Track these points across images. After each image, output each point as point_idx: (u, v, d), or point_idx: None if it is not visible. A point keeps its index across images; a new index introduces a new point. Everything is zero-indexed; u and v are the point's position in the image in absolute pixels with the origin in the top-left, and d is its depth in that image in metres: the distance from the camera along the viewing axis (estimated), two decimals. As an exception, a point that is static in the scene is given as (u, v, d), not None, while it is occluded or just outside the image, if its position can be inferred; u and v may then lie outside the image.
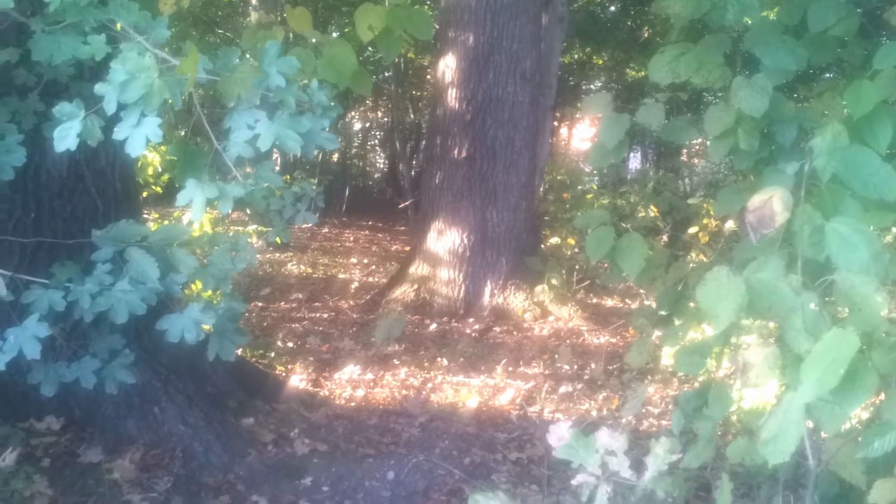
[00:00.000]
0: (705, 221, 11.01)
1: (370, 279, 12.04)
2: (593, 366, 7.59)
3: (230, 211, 2.95)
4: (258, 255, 10.60)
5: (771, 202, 2.61)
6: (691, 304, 3.74)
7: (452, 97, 9.62)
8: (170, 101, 2.65)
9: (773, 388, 3.25)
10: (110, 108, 2.61)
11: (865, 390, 2.34)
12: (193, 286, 4.06)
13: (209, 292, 4.17)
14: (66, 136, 2.74)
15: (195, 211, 2.82)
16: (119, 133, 2.68)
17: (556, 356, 7.81)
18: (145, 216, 7.97)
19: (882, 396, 2.68)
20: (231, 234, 9.53)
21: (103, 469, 4.37)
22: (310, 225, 17.50)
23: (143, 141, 2.66)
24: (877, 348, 2.41)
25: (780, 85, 3.35)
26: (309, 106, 2.83)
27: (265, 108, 2.77)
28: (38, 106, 3.61)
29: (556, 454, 2.20)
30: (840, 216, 2.63)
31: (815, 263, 2.69)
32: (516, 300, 9.56)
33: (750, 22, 3.50)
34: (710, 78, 3.39)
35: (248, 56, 2.95)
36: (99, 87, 2.61)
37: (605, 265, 3.78)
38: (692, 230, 10.84)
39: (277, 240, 9.31)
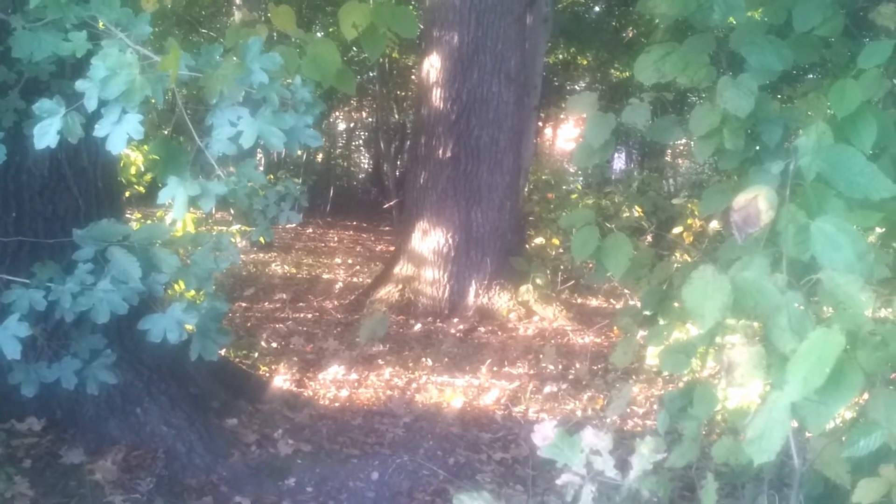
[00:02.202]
0: (690, 221, 11.04)
1: (354, 279, 12.01)
2: (578, 366, 7.59)
3: (213, 209, 2.93)
4: (242, 256, 10.57)
5: (756, 201, 2.61)
6: (676, 304, 3.75)
7: (437, 97, 9.61)
8: (152, 98, 2.62)
9: (758, 387, 3.26)
10: (91, 104, 2.58)
11: (851, 389, 2.34)
12: (176, 286, 4.03)
13: (192, 292, 4.14)
14: (47, 132, 2.71)
15: (177, 209, 2.79)
16: (100, 130, 2.65)
17: (541, 356, 7.81)
18: (128, 216, 7.93)
19: (866, 396, 2.69)
20: (214, 233, 9.49)
21: (85, 470, 4.33)
22: (294, 225, 17.45)
23: (124, 138, 2.64)
24: (862, 347, 2.40)
25: (765, 84, 3.35)
26: (292, 103, 2.81)
27: (248, 105, 2.75)
28: (18, 104, 3.58)
29: (541, 454, 2.19)
30: (825, 215, 2.63)
31: (800, 262, 2.69)
32: (501, 300, 9.56)
33: (735, 21, 3.50)
34: (695, 78, 3.40)
35: (230, 53, 2.93)
36: (80, 84, 2.58)
37: (590, 265, 3.78)
38: (676, 230, 10.87)
39: (261, 239, 9.29)
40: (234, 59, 2.76)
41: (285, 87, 2.80)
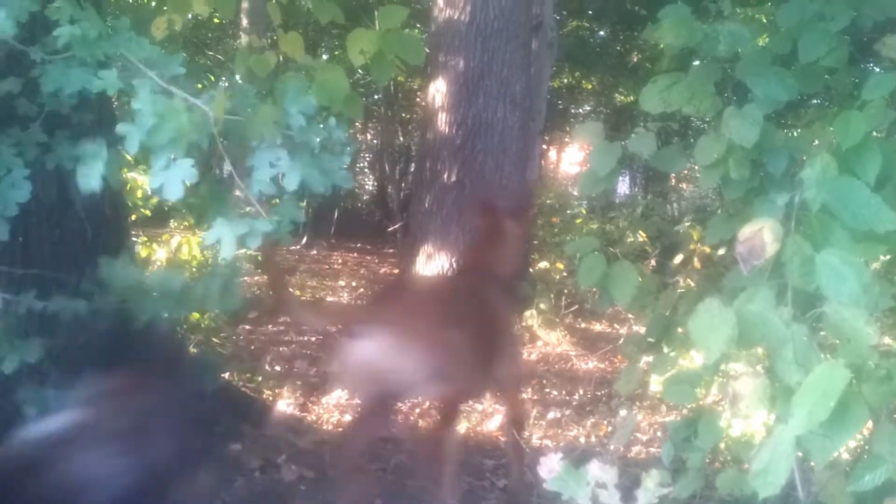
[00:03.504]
0: (693, 247, 11.02)
1: (359, 302, 11.99)
2: (582, 391, 7.58)
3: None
4: (246, 278, 10.57)
5: (761, 233, 2.62)
6: (680, 330, 3.75)
7: (442, 121, 9.62)
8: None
9: (761, 416, 3.26)
10: (132, 148, 2.58)
11: (855, 423, 2.35)
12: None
13: (197, 315, 4.13)
14: (91, 175, 2.72)
15: (225, 247, 2.78)
16: (153, 180, 2.65)
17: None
18: (134, 239, 7.95)
19: (870, 425, 2.69)
20: (220, 260, 9.46)
21: (89, 494, 4.33)
22: (298, 246, 17.45)
23: (180, 185, 2.62)
24: (867, 381, 2.42)
25: (769, 113, 3.37)
26: (329, 145, 2.83)
27: (285, 145, 2.76)
28: (40, 137, 3.58)
29: (547, 486, 2.19)
30: (830, 247, 2.64)
31: (806, 293, 2.70)
32: (505, 325, 9.53)
33: (740, 50, 3.53)
34: (701, 107, 3.41)
35: (247, 85, 2.95)
36: (121, 128, 2.58)
37: (595, 290, 3.79)
38: (678, 259, 10.83)
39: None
40: (270, 101, 2.78)
41: (321, 125, 2.81)
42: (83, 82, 2.79)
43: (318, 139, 2.76)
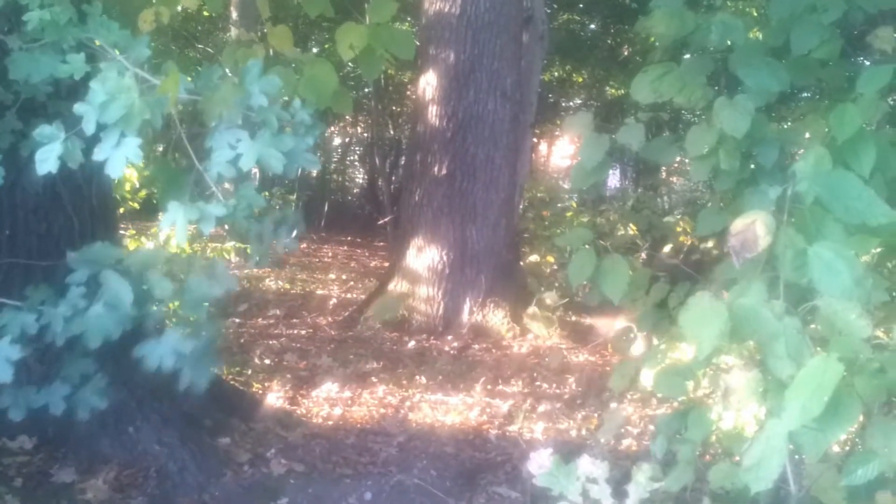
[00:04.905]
0: (682, 239, 11.03)
1: (348, 295, 11.96)
2: (572, 384, 7.56)
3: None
4: (235, 271, 10.54)
5: (754, 226, 2.60)
6: (670, 324, 3.74)
7: (433, 114, 9.61)
8: (150, 122, 2.60)
9: (752, 408, 3.25)
10: (89, 128, 2.56)
11: (849, 417, 2.33)
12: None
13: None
14: (48, 158, 2.69)
15: (178, 233, 2.76)
16: (99, 154, 2.63)
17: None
18: (122, 232, 7.90)
19: (861, 419, 2.68)
20: (209, 254, 9.42)
21: (76, 489, 4.31)
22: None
23: (123, 162, 2.60)
24: (860, 374, 2.40)
25: (760, 105, 3.36)
26: (291, 124, 2.79)
27: (247, 127, 2.73)
28: (15, 124, 3.55)
29: (537, 482, 2.17)
30: (823, 240, 2.63)
31: (798, 286, 2.68)
32: (495, 318, 9.52)
33: (731, 42, 3.51)
34: (692, 98, 3.40)
35: (227, 73, 2.91)
36: (78, 107, 2.56)
37: (586, 284, 3.77)
38: (667, 248, 10.85)
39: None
40: (233, 80, 2.75)
41: (284, 108, 2.78)
42: (51, 69, 2.76)
43: (276, 119, 2.72)
